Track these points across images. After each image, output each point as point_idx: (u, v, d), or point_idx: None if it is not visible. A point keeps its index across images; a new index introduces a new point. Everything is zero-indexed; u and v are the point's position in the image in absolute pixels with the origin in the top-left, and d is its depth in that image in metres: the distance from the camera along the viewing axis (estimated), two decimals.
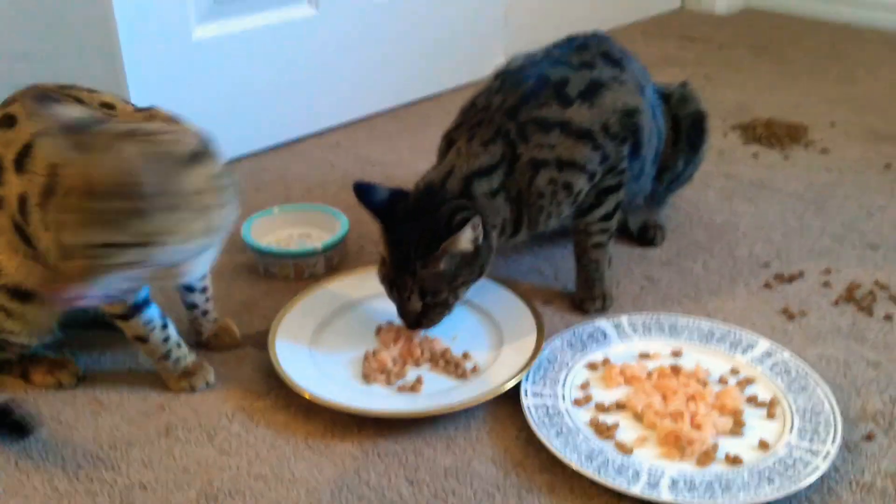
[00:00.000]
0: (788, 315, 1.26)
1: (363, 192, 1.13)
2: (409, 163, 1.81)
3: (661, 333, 1.19)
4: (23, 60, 1.35)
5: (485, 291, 1.26)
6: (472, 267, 1.12)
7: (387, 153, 1.87)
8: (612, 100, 1.19)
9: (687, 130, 1.38)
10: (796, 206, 1.59)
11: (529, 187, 1.16)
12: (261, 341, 1.20)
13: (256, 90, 1.80)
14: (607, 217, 1.24)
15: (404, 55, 2.07)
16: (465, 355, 1.15)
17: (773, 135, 1.88)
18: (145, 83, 1.57)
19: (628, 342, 1.17)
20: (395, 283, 1.13)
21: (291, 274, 1.37)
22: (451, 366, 1.13)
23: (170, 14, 1.60)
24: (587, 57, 1.24)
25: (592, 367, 1.13)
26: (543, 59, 1.24)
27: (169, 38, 1.61)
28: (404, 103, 2.12)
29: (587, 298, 1.28)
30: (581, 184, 1.18)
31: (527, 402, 1.05)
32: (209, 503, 0.94)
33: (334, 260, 1.40)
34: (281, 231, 1.48)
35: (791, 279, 1.35)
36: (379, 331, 1.20)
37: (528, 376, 1.09)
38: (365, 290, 1.26)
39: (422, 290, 1.11)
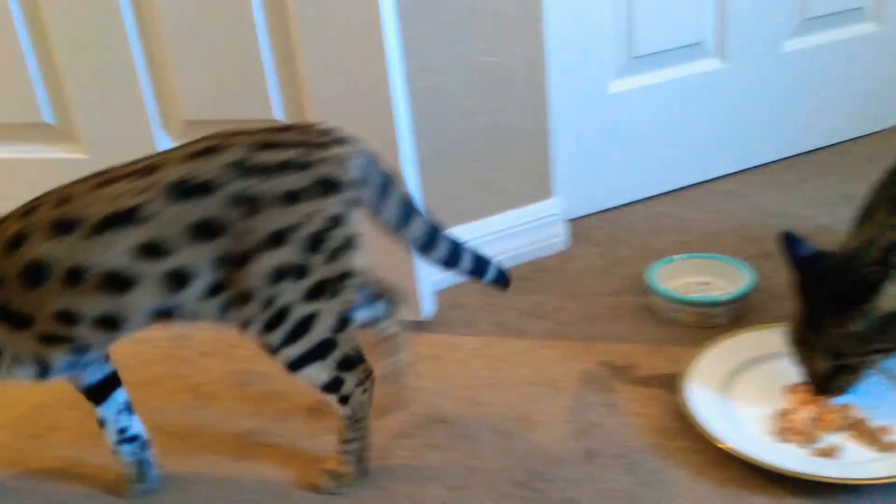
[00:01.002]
0: None
1: (790, 242, 1.17)
2: (809, 215, 1.79)
3: None
4: (469, 115, 1.58)
5: None
6: (887, 335, 1.10)
7: (784, 204, 1.86)
8: None
9: None
10: None
11: None
12: (668, 383, 1.29)
13: (660, 138, 1.89)
14: None
15: (804, 104, 2.04)
16: (885, 429, 1.13)
17: None
18: (565, 132, 1.74)
19: None
20: (801, 341, 1.15)
21: (696, 321, 1.44)
22: (871, 437, 1.12)
23: (590, 71, 1.76)
24: None
25: None
26: None
27: (588, 92, 1.77)
28: (800, 152, 2.09)
29: None
30: None
31: None
32: None
33: (738, 312, 1.44)
34: (681, 278, 1.55)
35: None
36: (790, 390, 1.22)
37: None
38: (772, 346, 1.28)
39: (828, 350, 1.12)
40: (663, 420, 1.22)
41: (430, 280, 1.52)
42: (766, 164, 2.05)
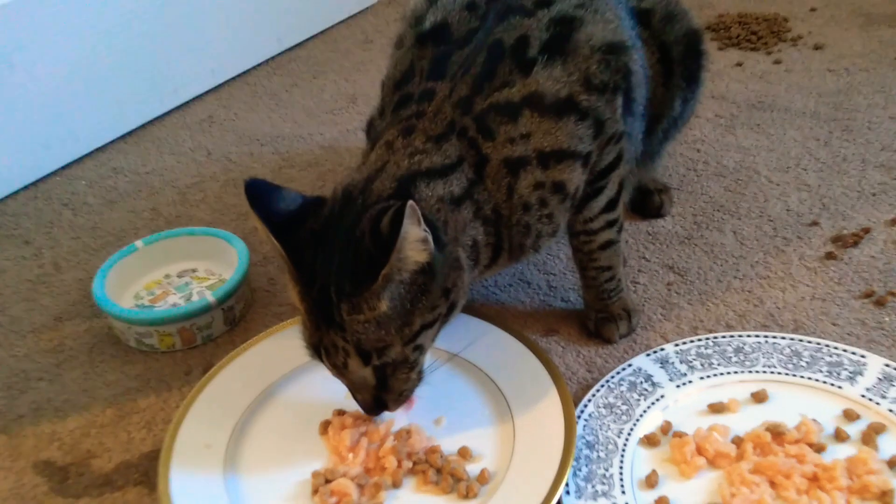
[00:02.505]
0: (877, 300, 0.92)
1: (258, 196, 0.72)
2: (310, 134, 1.38)
3: (726, 363, 0.84)
4: None
5: (462, 331, 0.88)
6: (429, 296, 0.71)
7: (277, 120, 1.42)
8: (586, 38, 0.81)
9: (681, 59, 1.00)
10: (817, 129, 1.25)
11: (509, 199, 0.78)
12: (149, 470, 0.80)
13: (86, 63, 1.31)
14: (612, 205, 0.87)
15: None
16: (464, 452, 0.77)
17: (752, 34, 1.53)
18: None
19: (687, 387, 0.82)
20: (320, 345, 0.73)
21: (177, 343, 0.95)
22: (448, 478, 0.75)
23: None
24: None
25: (651, 441, 0.77)
26: (486, 12, 0.83)
27: None
28: (287, 49, 1.67)
29: (606, 321, 0.91)
30: (576, 177, 0.81)
31: None
32: None
33: (236, 310, 0.98)
34: (156, 271, 1.05)
35: (856, 241, 1.01)
36: (326, 429, 0.81)
37: (569, 481, 0.72)
38: (293, 355, 0.85)
39: (361, 350, 0.71)
40: None
41: None
42: (247, 71, 1.59)
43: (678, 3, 1.01)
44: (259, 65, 1.61)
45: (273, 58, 1.64)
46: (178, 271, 1.06)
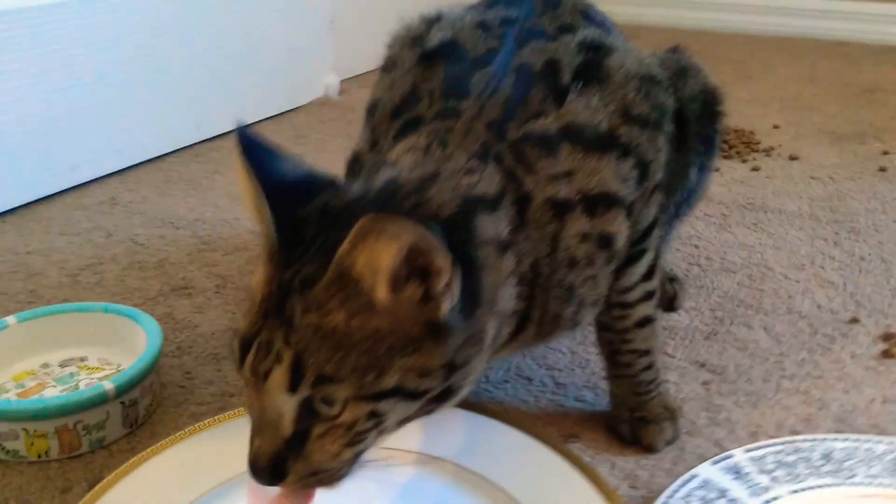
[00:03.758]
0: None
1: (252, 148, 0.52)
2: (237, 217, 1.16)
3: (816, 474, 0.63)
4: None
5: (466, 433, 0.65)
6: (425, 357, 0.49)
7: (196, 206, 1.20)
8: (617, 65, 0.66)
9: (697, 119, 0.86)
10: (820, 230, 1.12)
11: (553, 252, 0.59)
12: None
13: None
14: (651, 272, 0.70)
15: (206, 79, 1.42)
16: None
17: (725, 142, 1.43)
18: None
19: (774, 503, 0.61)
20: (253, 341, 0.49)
21: (54, 448, 0.67)
22: None
23: None
24: (564, 17, 0.70)
25: None
26: (504, 34, 0.68)
27: None
28: (207, 138, 1.46)
29: (645, 422, 0.70)
30: (623, 230, 0.63)
31: None
32: None
33: (140, 407, 0.72)
34: (27, 359, 0.78)
35: None
36: None
37: None
38: (211, 469, 0.60)
39: (297, 364, 0.47)
40: None
41: None
42: (161, 156, 1.38)
43: (691, 58, 0.88)
44: (175, 151, 1.40)
45: (192, 145, 1.43)
46: (61, 360, 0.79)
